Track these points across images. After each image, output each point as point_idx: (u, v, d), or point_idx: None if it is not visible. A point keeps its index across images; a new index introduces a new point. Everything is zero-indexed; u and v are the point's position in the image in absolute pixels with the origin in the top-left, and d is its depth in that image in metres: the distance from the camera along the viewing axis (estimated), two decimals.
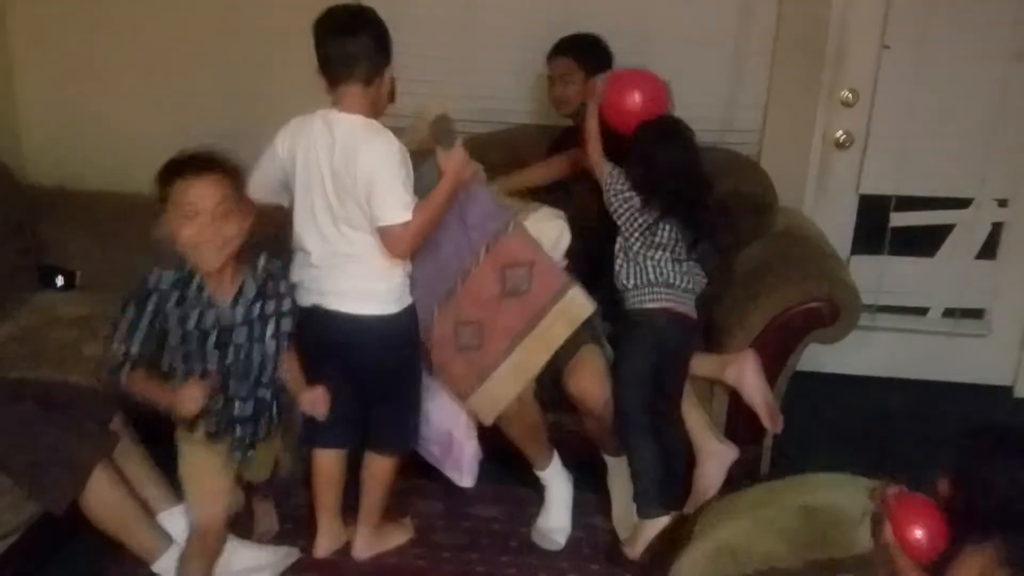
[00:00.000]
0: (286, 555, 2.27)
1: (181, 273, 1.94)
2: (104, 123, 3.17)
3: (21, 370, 2.25)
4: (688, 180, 2.37)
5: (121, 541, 2.05)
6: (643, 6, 2.99)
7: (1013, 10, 2.93)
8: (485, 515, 2.50)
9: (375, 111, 2.10)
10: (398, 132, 2.14)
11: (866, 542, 1.87)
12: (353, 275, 2.11)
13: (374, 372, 2.21)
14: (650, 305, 2.36)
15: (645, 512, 2.29)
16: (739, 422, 2.49)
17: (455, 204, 2.18)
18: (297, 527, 2.39)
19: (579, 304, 2.26)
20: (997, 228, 3.19)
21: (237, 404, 2.03)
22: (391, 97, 2.17)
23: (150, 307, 1.92)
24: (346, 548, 2.34)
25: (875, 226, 3.19)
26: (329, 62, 2.04)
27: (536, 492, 2.46)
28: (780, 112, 3.03)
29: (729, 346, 2.49)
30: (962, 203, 3.16)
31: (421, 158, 2.18)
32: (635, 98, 2.37)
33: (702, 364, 2.49)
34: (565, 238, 2.40)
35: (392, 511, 2.42)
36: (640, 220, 2.35)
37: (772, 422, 2.40)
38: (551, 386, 2.36)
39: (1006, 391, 3.30)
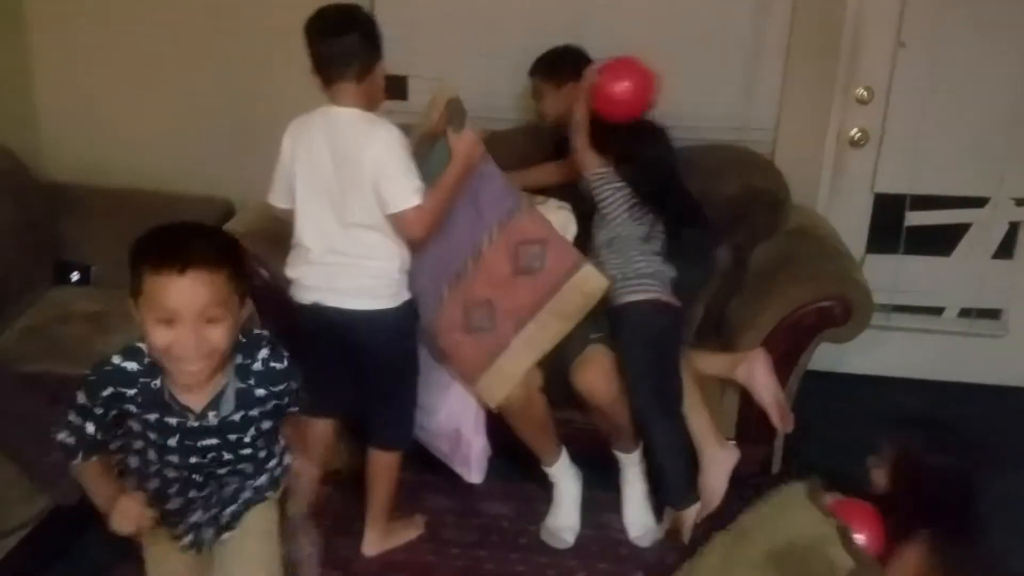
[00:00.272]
0: (296, 550, 2.27)
1: (141, 365, 1.54)
2: (120, 120, 3.20)
3: (35, 364, 2.27)
4: (668, 176, 2.48)
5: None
6: (657, 4, 2.98)
7: None
8: (494, 512, 2.50)
9: (371, 105, 2.13)
10: (407, 126, 2.16)
11: (845, 560, 1.82)
12: (352, 272, 2.12)
13: (372, 367, 2.22)
14: (639, 297, 2.38)
15: (679, 501, 2.30)
16: (750, 421, 2.49)
17: (467, 185, 2.20)
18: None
19: (594, 278, 2.29)
20: (1014, 227, 3.15)
21: (198, 511, 1.70)
22: (384, 92, 2.20)
23: (105, 393, 1.54)
24: (356, 545, 2.35)
25: (890, 225, 3.16)
26: (322, 62, 2.07)
27: (546, 490, 2.46)
28: (794, 110, 3.00)
29: (740, 345, 2.48)
30: (979, 202, 3.13)
31: (431, 142, 2.19)
32: (625, 86, 2.44)
33: (713, 363, 2.49)
34: (572, 227, 2.44)
35: (402, 507, 2.44)
36: (628, 212, 2.43)
37: (782, 421, 2.39)
38: (559, 383, 2.35)
39: (1022, 392, 3.27)
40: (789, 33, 2.94)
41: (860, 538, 1.83)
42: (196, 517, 1.70)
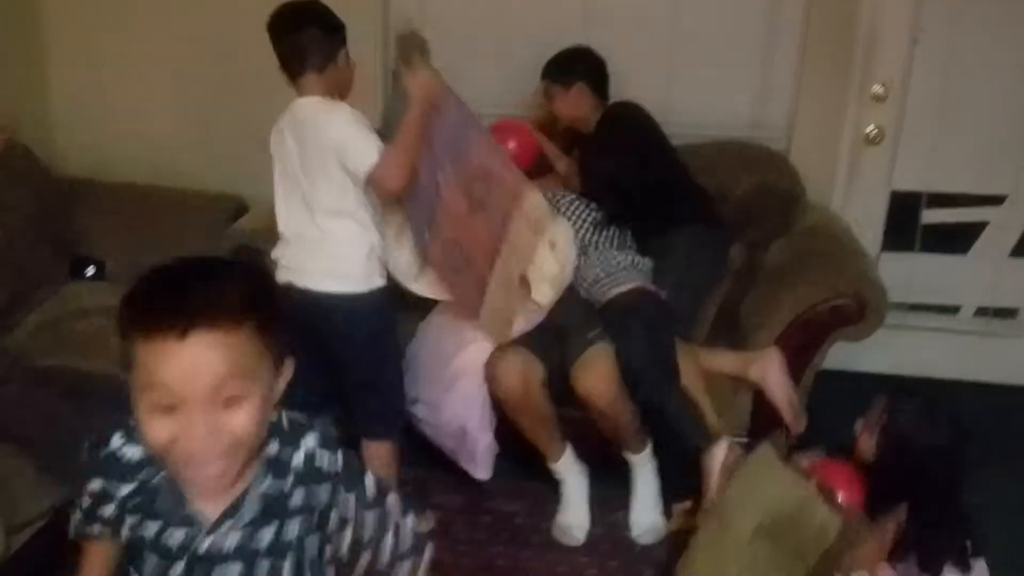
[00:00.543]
0: None
1: (147, 451, 1.09)
2: (134, 116, 3.22)
3: (49, 358, 2.28)
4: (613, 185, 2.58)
5: None
6: (671, 1, 2.97)
7: None
8: (506, 510, 2.50)
9: (336, 93, 2.18)
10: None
11: (832, 520, 1.85)
12: (318, 254, 2.17)
13: (346, 355, 2.23)
14: (623, 288, 2.41)
15: (701, 440, 2.26)
16: (762, 420, 2.47)
17: (430, 125, 2.20)
18: None
19: (536, 208, 2.32)
20: None
21: None
22: (350, 84, 2.23)
23: (93, 488, 1.16)
24: None
25: (906, 223, 3.14)
26: (284, 58, 2.14)
27: (556, 488, 2.45)
28: (809, 107, 2.98)
29: (753, 343, 2.47)
30: (996, 200, 3.10)
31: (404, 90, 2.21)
32: (511, 147, 2.61)
33: (726, 361, 2.48)
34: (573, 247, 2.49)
35: (411, 504, 2.44)
36: (592, 227, 2.57)
37: (794, 421, 2.38)
38: (561, 383, 2.36)
39: None
40: (804, 29, 2.93)
41: (840, 496, 1.88)
42: None
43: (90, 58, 3.19)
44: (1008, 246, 3.14)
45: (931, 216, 3.13)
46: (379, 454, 2.30)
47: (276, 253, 2.25)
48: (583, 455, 2.45)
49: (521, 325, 2.43)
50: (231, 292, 1.02)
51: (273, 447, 1.13)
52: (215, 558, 1.11)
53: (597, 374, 2.32)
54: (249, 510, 1.11)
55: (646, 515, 2.42)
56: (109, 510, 1.14)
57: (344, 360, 2.24)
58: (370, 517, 1.21)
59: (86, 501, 1.17)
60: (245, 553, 1.12)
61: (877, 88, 2.98)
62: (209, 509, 1.11)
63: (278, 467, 1.13)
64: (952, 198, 3.11)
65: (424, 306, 2.55)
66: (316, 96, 2.14)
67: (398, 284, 2.39)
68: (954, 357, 3.22)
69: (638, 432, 2.39)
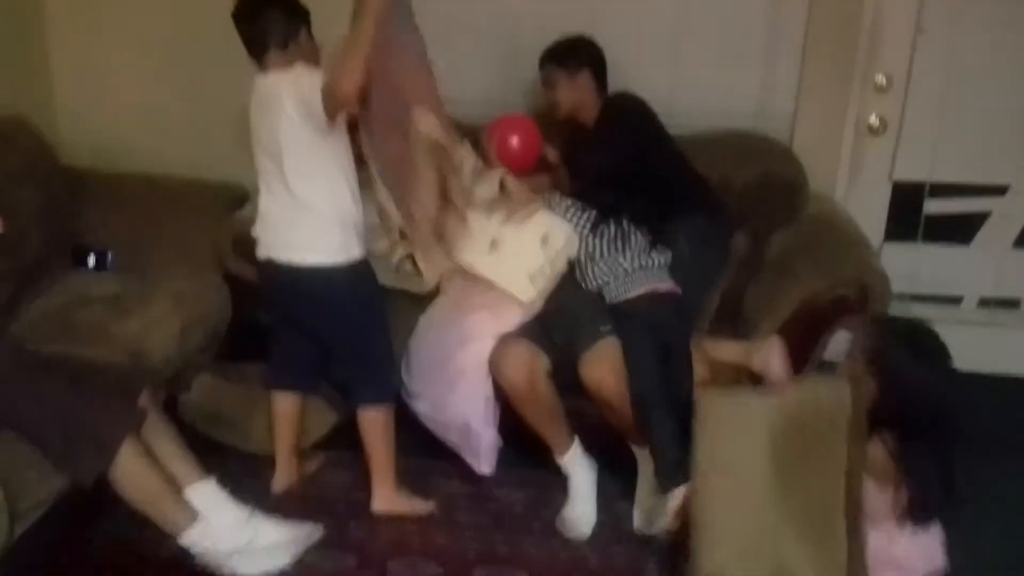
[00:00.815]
0: (310, 532, 2.28)
1: None
2: (136, 106, 3.22)
3: (53, 346, 2.29)
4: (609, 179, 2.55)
5: (148, 515, 2.08)
6: None
7: None
8: (509, 499, 2.50)
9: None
10: None
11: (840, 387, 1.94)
12: (298, 225, 2.23)
13: (331, 328, 2.32)
14: (632, 293, 2.43)
15: (666, 484, 2.24)
16: None
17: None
18: (322, 504, 2.42)
19: (425, 121, 2.38)
20: None
21: None
22: (315, 60, 2.27)
23: None
24: (369, 528, 2.36)
25: (909, 213, 3.14)
26: (248, 43, 2.24)
27: (559, 477, 2.45)
28: (812, 97, 2.98)
29: (756, 332, 2.47)
30: (999, 190, 3.10)
31: None
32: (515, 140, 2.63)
33: (728, 350, 2.47)
34: (572, 244, 2.50)
35: (415, 492, 2.47)
36: (590, 230, 2.54)
37: None
38: (569, 372, 2.36)
39: None
40: (807, 20, 2.92)
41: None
42: None
43: (93, 49, 3.19)
44: (1011, 236, 3.14)
45: (934, 206, 3.13)
46: (374, 421, 2.37)
47: (256, 230, 2.31)
48: (588, 444, 2.45)
49: (519, 316, 2.44)
50: None
51: None
52: None
53: (606, 366, 2.32)
54: None
55: (650, 510, 2.41)
56: None
57: (330, 331, 2.33)
58: None
59: None
60: None
61: (880, 78, 2.98)
62: None
63: None
64: (955, 188, 3.11)
65: (422, 300, 2.56)
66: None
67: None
68: (957, 348, 3.19)
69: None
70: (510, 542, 2.34)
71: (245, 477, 2.41)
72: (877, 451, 1.91)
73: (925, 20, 2.92)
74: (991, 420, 2.95)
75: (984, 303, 3.23)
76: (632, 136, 2.59)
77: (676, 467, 2.23)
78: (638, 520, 2.39)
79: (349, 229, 2.26)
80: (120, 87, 3.22)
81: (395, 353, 2.43)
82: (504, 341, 2.40)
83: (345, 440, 2.68)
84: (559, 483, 2.46)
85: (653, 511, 2.33)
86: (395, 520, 2.40)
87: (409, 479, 2.47)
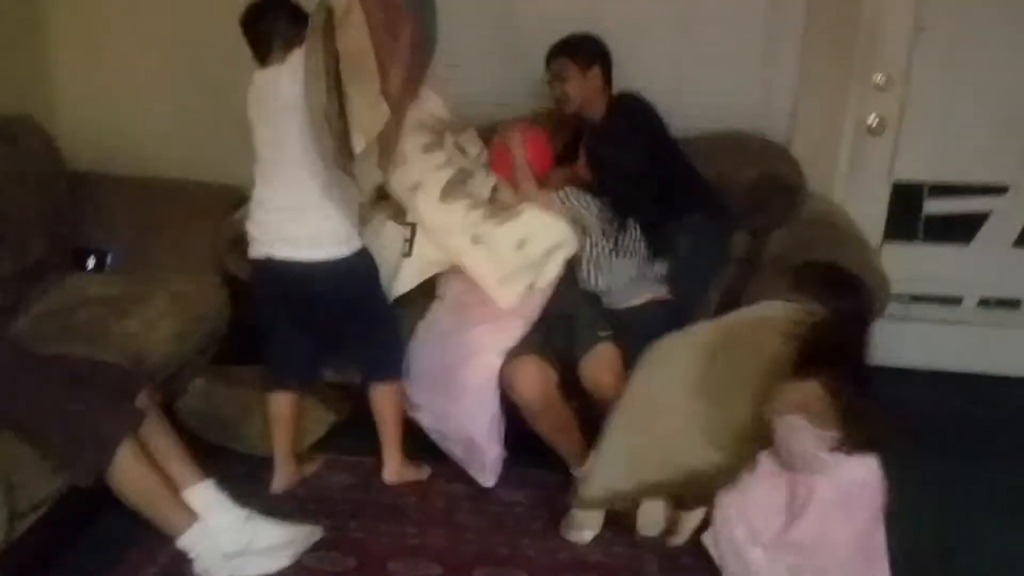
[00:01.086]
0: (309, 533, 2.28)
1: None
2: (135, 109, 3.23)
3: (53, 346, 2.28)
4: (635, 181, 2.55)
5: (146, 516, 2.07)
6: None
7: None
8: (509, 499, 2.49)
9: None
10: None
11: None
12: (305, 220, 2.26)
13: (339, 313, 2.37)
14: (633, 302, 2.48)
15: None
16: None
17: None
18: (320, 506, 2.42)
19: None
20: None
21: None
22: None
23: None
24: (370, 528, 2.36)
25: (909, 213, 3.14)
26: (254, 46, 2.33)
27: (560, 477, 2.45)
28: (811, 97, 2.98)
29: None
30: (999, 190, 3.10)
31: None
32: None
33: None
34: (567, 247, 2.49)
35: (415, 491, 2.50)
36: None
37: None
38: (569, 378, 2.38)
39: None
40: (806, 19, 2.92)
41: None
42: None
43: (93, 53, 3.20)
44: (1011, 236, 3.14)
45: (933, 206, 3.13)
46: (388, 395, 2.46)
47: (252, 230, 2.33)
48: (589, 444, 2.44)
49: (520, 328, 2.43)
50: None
51: None
52: None
53: (605, 368, 2.35)
54: None
55: (654, 508, 2.40)
56: None
57: (341, 321, 2.38)
58: None
59: None
60: None
61: (879, 78, 2.98)
62: None
63: None
64: (955, 188, 3.11)
65: (419, 304, 2.57)
66: None
67: None
68: (957, 348, 3.21)
69: None
70: (510, 543, 2.33)
71: (244, 479, 2.42)
72: (814, 390, 2.02)
73: (924, 18, 2.92)
74: (991, 420, 2.96)
75: (984, 303, 3.23)
76: (643, 134, 2.60)
77: None
78: (643, 519, 2.38)
79: (351, 219, 2.30)
80: (120, 91, 3.23)
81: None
82: (514, 359, 2.38)
83: (343, 442, 2.69)
84: (556, 482, 2.45)
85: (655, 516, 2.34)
86: (395, 520, 2.40)
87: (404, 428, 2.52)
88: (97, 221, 2.90)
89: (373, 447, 2.53)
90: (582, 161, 2.62)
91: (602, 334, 2.40)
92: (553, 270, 2.49)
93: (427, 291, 2.59)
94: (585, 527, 2.34)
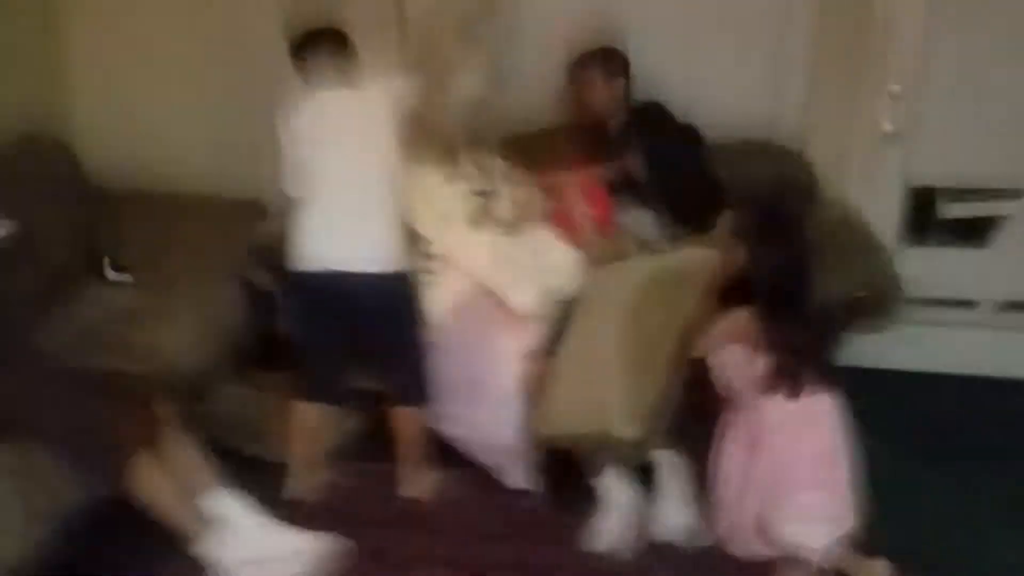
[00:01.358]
0: (328, 540, 2.28)
1: None
2: (155, 123, 3.27)
3: (75, 357, 2.33)
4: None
5: (165, 522, 2.11)
6: (684, 1, 3.00)
7: None
8: (529, 505, 2.50)
9: None
10: None
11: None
12: (366, 234, 2.32)
13: (381, 331, 2.40)
14: None
15: None
16: None
17: None
18: (336, 513, 2.44)
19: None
20: None
21: None
22: None
23: None
24: (389, 536, 2.38)
25: (924, 218, 3.13)
26: (309, 70, 2.42)
27: (572, 481, 2.45)
28: (824, 104, 2.99)
29: None
30: (1014, 194, 3.08)
31: None
32: None
33: None
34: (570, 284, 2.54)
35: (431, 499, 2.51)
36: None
37: None
38: None
39: None
40: (818, 26, 2.94)
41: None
42: None
43: (112, 71, 3.25)
44: None
45: (949, 210, 3.12)
46: (414, 418, 2.47)
47: (306, 241, 2.35)
48: None
49: (539, 332, 2.45)
50: None
51: None
52: None
53: None
54: None
55: (672, 515, 2.40)
56: None
57: (381, 338, 2.41)
58: None
59: None
60: None
61: (892, 85, 2.97)
62: None
63: None
64: (970, 192, 3.09)
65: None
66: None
67: None
68: (974, 352, 3.19)
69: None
70: (530, 549, 2.34)
71: (262, 486, 2.42)
72: (743, 318, 2.09)
73: (935, 27, 2.91)
74: (1008, 424, 2.94)
75: (1001, 307, 3.21)
76: (692, 134, 2.71)
77: None
78: (661, 527, 2.38)
79: (403, 239, 2.38)
80: (139, 108, 3.28)
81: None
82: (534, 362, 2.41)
83: (362, 451, 2.71)
84: (571, 488, 2.45)
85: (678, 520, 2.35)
86: (412, 527, 2.43)
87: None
88: (118, 235, 2.95)
89: (390, 454, 2.54)
90: (634, 165, 2.66)
91: None
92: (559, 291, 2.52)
93: None
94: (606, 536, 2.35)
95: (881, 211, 3.04)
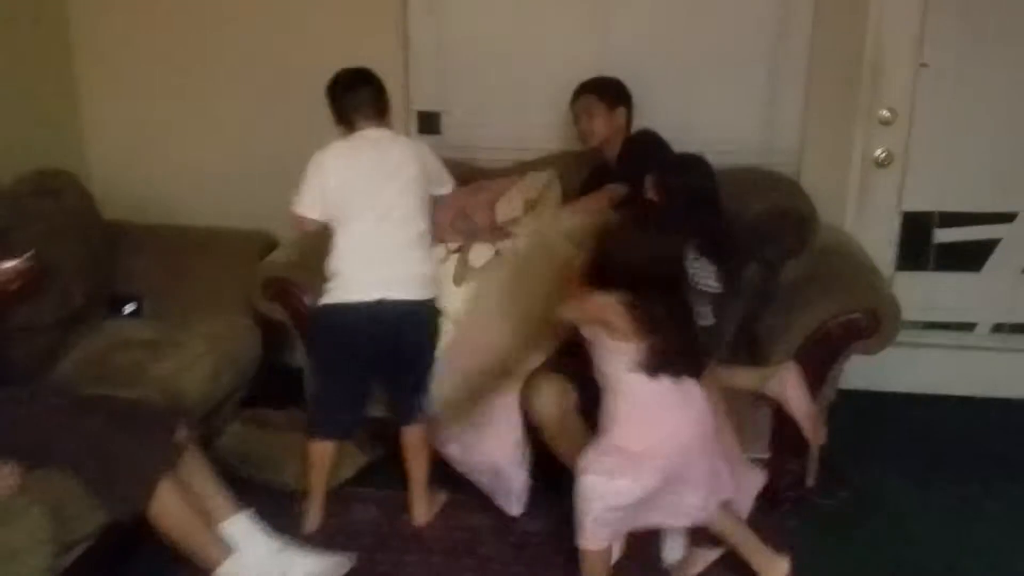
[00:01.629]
0: (341, 564, 2.32)
1: None
2: (165, 157, 3.35)
3: (93, 388, 2.38)
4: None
5: (184, 549, 2.14)
6: (679, 30, 3.08)
7: None
8: (533, 529, 2.53)
9: None
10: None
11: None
12: (407, 263, 2.44)
13: (406, 358, 2.48)
14: None
15: None
16: (782, 435, 2.52)
17: None
18: (349, 538, 2.47)
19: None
20: None
21: None
22: None
23: None
24: (396, 560, 2.42)
25: (920, 242, 3.20)
26: (345, 112, 2.51)
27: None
28: (818, 132, 3.06)
29: (772, 359, 2.51)
30: (1007, 217, 3.15)
31: None
32: None
33: (745, 377, 2.51)
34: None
35: (438, 525, 2.56)
36: None
37: (814, 435, 2.42)
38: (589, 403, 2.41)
39: None
40: (810, 55, 3.01)
41: None
42: None
43: (122, 102, 3.33)
44: (1021, 263, 3.18)
45: (944, 235, 3.18)
46: (420, 436, 2.53)
47: (344, 275, 2.41)
48: None
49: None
50: None
51: None
52: None
53: None
54: None
55: (681, 542, 2.42)
56: None
57: (404, 366, 2.49)
58: None
59: None
60: None
61: (884, 112, 3.05)
62: None
63: None
64: (964, 217, 3.16)
65: None
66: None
67: None
68: (972, 374, 3.24)
69: None
70: (533, 573, 2.37)
71: (277, 511, 2.44)
72: (610, 303, 2.03)
73: (926, 54, 2.99)
74: (1008, 445, 2.98)
75: (998, 329, 3.26)
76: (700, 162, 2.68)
77: None
78: (670, 555, 2.41)
79: (434, 268, 2.53)
80: (150, 143, 3.35)
81: None
82: (535, 376, 2.44)
83: (371, 477, 2.75)
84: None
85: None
86: (421, 552, 2.46)
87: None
88: (133, 269, 3.00)
89: (399, 481, 2.59)
90: (650, 193, 2.61)
91: None
92: None
93: None
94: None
95: (877, 236, 3.12)
